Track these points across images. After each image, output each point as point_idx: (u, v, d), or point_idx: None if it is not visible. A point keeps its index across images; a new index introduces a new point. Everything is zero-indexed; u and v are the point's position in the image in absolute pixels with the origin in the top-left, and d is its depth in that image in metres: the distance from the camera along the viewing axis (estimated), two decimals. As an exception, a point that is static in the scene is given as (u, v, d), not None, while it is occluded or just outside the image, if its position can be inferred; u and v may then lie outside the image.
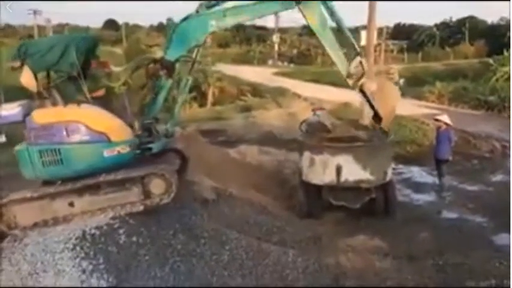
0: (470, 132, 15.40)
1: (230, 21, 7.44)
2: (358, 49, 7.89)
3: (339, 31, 7.79)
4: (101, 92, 7.21)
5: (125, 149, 6.51)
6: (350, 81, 7.70)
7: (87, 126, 6.29)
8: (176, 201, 6.89)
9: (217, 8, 7.42)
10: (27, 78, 6.61)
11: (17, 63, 6.69)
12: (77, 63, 6.58)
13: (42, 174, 6.39)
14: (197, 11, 7.37)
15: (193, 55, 7.74)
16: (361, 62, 7.74)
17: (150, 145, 7.05)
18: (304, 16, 7.40)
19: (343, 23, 7.71)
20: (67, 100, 6.62)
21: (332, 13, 7.51)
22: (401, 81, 22.47)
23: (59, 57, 6.60)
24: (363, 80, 7.76)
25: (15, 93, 7.75)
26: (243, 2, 7.40)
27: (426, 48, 55.28)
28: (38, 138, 6.26)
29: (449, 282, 6.61)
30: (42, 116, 6.29)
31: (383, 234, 8.13)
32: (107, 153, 6.37)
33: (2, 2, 15.48)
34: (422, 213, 9.49)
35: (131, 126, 7.05)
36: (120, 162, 6.49)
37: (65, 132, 6.24)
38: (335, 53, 7.61)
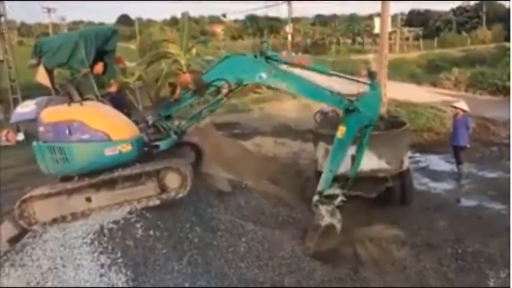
0: (489, 118, 15.18)
1: (278, 84, 6.91)
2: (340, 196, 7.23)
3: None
4: (113, 88, 7.22)
5: (126, 148, 6.44)
6: (316, 197, 7.04)
7: (87, 125, 6.28)
8: (192, 195, 6.90)
9: (274, 64, 6.95)
10: (41, 76, 6.69)
11: (34, 61, 6.76)
12: (85, 61, 6.60)
13: (54, 170, 6.47)
14: (255, 56, 7.04)
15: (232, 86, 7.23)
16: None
17: (157, 143, 7.02)
18: (341, 121, 6.95)
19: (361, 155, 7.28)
20: (83, 96, 6.67)
21: (363, 138, 7.13)
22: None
23: (69, 55, 6.61)
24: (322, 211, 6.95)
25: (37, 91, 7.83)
26: (302, 78, 6.93)
27: (442, 34, 54.41)
28: (46, 137, 6.33)
29: (468, 270, 6.56)
30: (49, 115, 6.32)
31: (400, 223, 8.09)
32: (107, 152, 6.34)
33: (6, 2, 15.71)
34: (441, 202, 9.40)
35: (144, 121, 7.06)
36: (122, 160, 6.46)
37: (67, 131, 6.26)
38: (328, 171, 7.03)
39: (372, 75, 7.12)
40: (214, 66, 7.16)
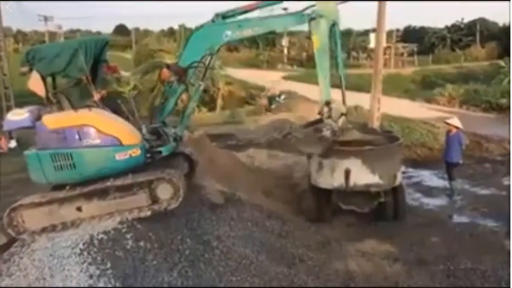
0: (482, 135, 15.26)
1: (245, 33, 7.58)
2: (345, 110, 8.04)
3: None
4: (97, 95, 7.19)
5: (136, 152, 6.49)
6: (325, 109, 7.69)
7: (99, 130, 6.30)
8: (184, 206, 6.84)
9: (232, 19, 7.57)
10: (34, 84, 6.66)
11: (26, 69, 6.74)
12: (85, 68, 6.58)
13: (53, 178, 6.40)
14: (213, 21, 7.49)
15: (207, 62, 7.69)
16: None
17: (159, 148, 7.03)
18: (311, 33, 7.55)
19: (340, 52, 7.95)
20: (74, 105, 6.66)
21: (335, 37, 7.67)
22: None
23: (67, 63, 6.62)
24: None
25: (30, 98, 7.77)
26: (257, 16, 7.64)
27: (437, 50, 54.88)
28: (49, 143, 6.27)
29: (460, 287, 6.52)
30: (53, 121, 6.31)
31: (393, 239, 8.05)
32: (118, 156, 6.37)
33: (4, 4, 15.73)
34: (433, 218, 9.40)
35: (139, 130, 7.05)
36: (132, 165, 6.49)
37: (77, 136, 6.25)
38: (323, 79, 7.67)
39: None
40: (184, 50, 7.58)
